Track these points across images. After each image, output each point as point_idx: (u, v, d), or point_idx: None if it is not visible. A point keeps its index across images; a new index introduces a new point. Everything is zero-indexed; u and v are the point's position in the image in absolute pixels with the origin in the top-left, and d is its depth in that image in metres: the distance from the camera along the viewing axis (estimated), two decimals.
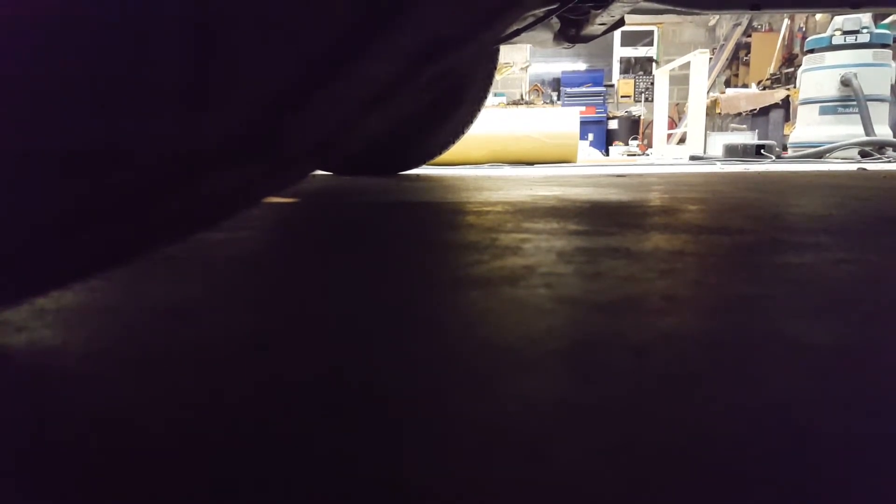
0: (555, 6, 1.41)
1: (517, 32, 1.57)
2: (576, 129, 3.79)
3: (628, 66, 8.74)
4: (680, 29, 8.50)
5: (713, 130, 5.61)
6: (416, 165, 2.51)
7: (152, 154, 0.26)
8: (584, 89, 7.84)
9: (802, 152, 4.00)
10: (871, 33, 4.17)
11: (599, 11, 1.57)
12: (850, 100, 4.14)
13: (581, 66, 8.71)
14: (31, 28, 0.22)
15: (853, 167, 2.93)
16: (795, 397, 0.30)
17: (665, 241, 0.74)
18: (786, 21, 6.86)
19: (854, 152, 3.81)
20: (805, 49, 4.59)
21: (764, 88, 6.21)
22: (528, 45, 6.60)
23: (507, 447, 0.25)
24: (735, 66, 7.85)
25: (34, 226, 0.27)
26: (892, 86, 4.26)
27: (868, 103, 4.03)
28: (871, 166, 2.99)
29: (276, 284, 0.56)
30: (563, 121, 3.79)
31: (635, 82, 8.51)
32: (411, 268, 0.62)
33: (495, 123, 3.63)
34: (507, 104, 6.73)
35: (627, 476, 0.23)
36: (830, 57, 4.26)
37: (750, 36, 7.60)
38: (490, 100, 4.51)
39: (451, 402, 0.30)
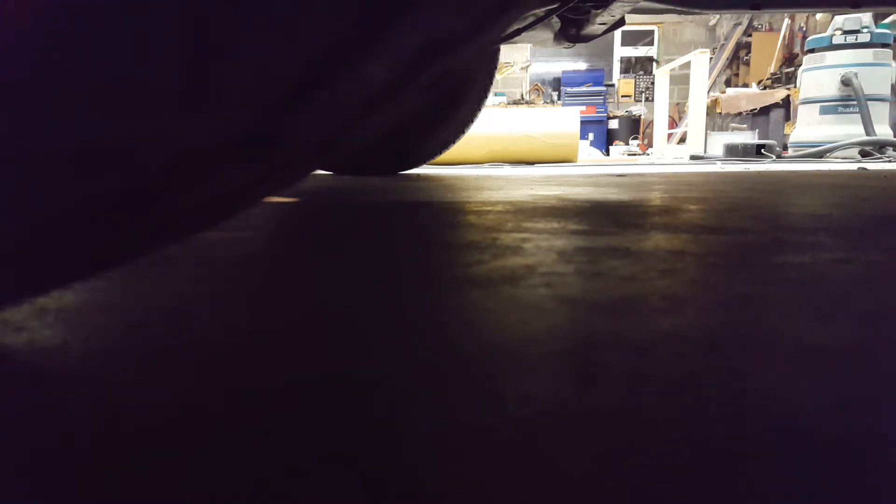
0: (555, 6, 1.41)
1: (518, 32, 1.57)
2: (576, 128, 3.79)
3: (629, 66, 8.73)
4: (680, 28, 8.50)
5: (713, 130, 5.61)
6: (417, 165, 2.51)
7: (153, 154, 0.26)
8: (584, 89, 7.84)
9: (803, 152, 4.00)
10: (871, 33, 4.16)
11: (600, 11, 1.57)
12: (850, 99, 4.14)
13: (581, 65, 8.71)
14: (30, 27, 0.22)
15: (853, 167, 2.93)
16: (796, 397, 0.30)
17: (665, 240, 0.74)
18: (786, 21, 6.86)
19: (854, 152, 3.81)
20: (805, 49, 4.59)
21: (764, 88, 6.21)
22: (529, 45, 6.60)
23: (507, 447, 0.25)
24: (735, 65, 7.85)
25: (34, 225, 0.27)
26: (892, 85, 4.25)
27: (868, 103, 4.02)
28: (872, 166, 2.99)
29: (277, 284, 0.56)
30: (563, 120, 3.79)
31: (636, 82, 8.51)
32: (411, 267, 0.62)
33: (496, 123, 3.63)
34: (508, 104, 6.73)
35: (628, 476, 0.23)
36: (831, 56, 4.25)
37: (750, 35, 7.60)
38: (490, 99, 4.51)
39: (451, 402, 0.30)
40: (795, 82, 5.14)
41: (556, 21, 1.73)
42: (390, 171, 2.47)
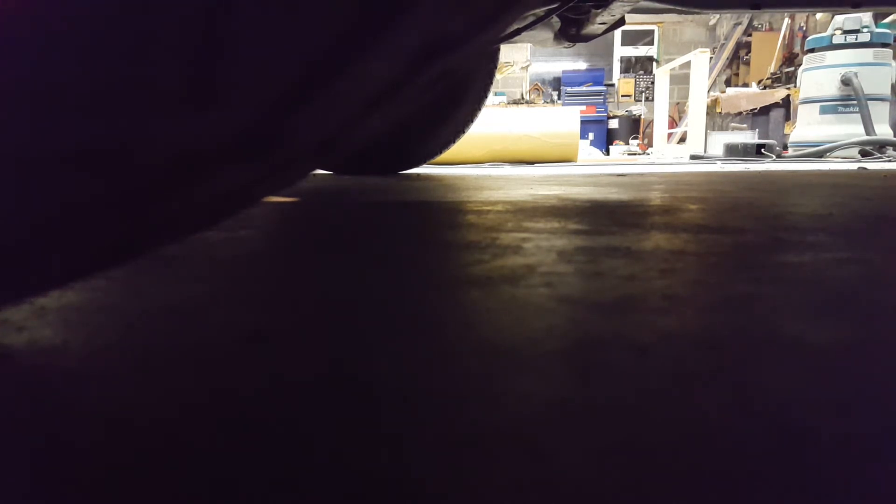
0: (555, 5, 1.41)
1: (518, 32, 1.57)
2: (576, 128, 3.79)
3: (629, 66, 8.73)
4: (680, 28, 8.50)
5: (713, 130, 5.61)
6: (417, 165, 2.51)
7: (154, 154, 0.26)
8: (584, 88, 7.84)
9: (803, 151, 4.00)
10: (871, 32, 4.16)
11: (600, 10, 1.57)
12: (850, 99, 4.13)
13: (581, 65, 8.71)
14: (32, 27, 0.22)
15: (854, 166, 2.93)
16: (795, 397, 0.30)
17: (665, 240, 0.74)
18: (786, 20, 6.86)
19: (854, 151, 3.81)
20: (805, 48, 4.59)
21: (764, 88, 6.21)
22: (529, 45, 6.60)
23: (508, 447, 0.25)
24: (735, 65, 7.85)
25: (34, 225, 0.27)
26: (892, 85, 4.25)
27: (868, 102, 4.02)
28: (872, 165, 2.99)
29: (276, 284, 0.56)
30: (563, 120, 3.79)
31: (636, 81, 8.51)
32: (412, 267, 0.62)
33: (496, 123, 3.63)
34: (508, 103, 6.74)
35: (628, 476, 0.23)
36: (831, 56, 4.25)
37: (750, 35, 7.60)
38: (490, 99, 4.50)
39: (450, 402, 0.30)
40: (795, 82, 5.14)
41: (556, 21, 1.73)
42: (390, 171, 2.47)
